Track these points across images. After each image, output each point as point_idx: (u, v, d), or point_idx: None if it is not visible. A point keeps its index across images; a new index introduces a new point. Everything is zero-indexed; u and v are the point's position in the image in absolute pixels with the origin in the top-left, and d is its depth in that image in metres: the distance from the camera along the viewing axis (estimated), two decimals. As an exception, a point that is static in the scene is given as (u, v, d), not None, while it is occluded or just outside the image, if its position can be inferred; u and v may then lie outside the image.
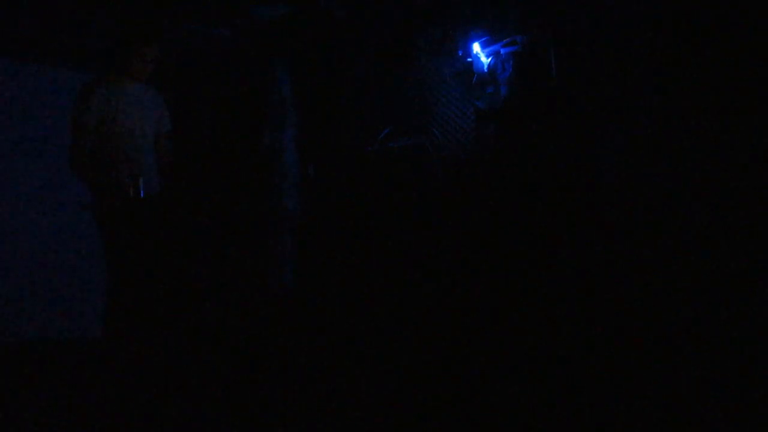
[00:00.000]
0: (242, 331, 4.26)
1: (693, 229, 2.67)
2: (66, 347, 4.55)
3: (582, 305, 2.96)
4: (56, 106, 4.74)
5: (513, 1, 3.44)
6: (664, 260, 2.75)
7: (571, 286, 3.02)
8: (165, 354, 3.49)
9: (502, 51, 3.43)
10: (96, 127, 3.39)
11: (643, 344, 2.73)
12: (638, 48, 2.89)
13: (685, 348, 2.62)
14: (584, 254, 3.00)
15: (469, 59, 3.59)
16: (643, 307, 2.77)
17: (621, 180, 2.93)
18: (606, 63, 3.01)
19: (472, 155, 3.61)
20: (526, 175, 3.28)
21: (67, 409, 3.08)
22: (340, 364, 3.75)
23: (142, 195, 3.29)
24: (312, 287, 4.31)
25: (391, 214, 3.95)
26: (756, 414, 2.37)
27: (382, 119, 4.11)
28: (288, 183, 4.57)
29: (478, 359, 3.27)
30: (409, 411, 2.96)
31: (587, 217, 3.01)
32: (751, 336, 2.46)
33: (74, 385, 3.54)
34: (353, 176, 4.21)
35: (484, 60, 3.52)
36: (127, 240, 3.35)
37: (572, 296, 3.00)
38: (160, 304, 3.49)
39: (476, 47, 3.54)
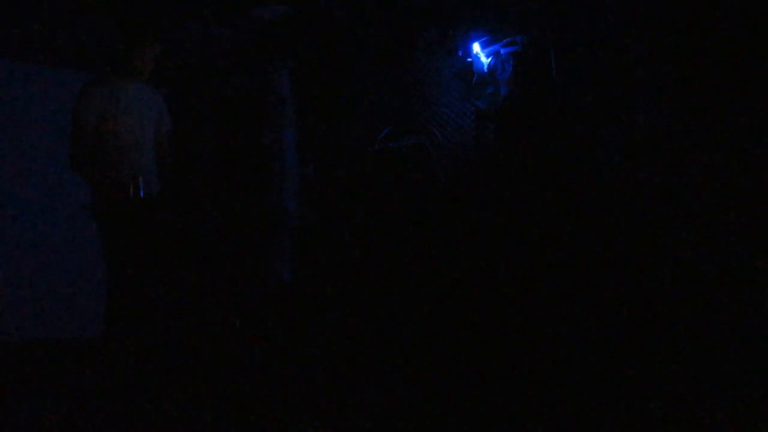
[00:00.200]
0: (242, 330, 4.26)
1: (693, 228, 2.67)
2: (66, 347, 4.55)
3: (582, 305, 2.96)
4: (56, 106, 4.74)
5: (513, 1, 3.44)
6: (664, 260, 2.75)
7: (572, 286, 3.02)
8: (165, 354, 3.49)
9: (502, 51, 3.43)
10: (96, 126, 3.38)
11: (643, 344, 2.73)
12: (638, 48, 2.89)
13: (685, 348, 2.62)
14: (584, 254, 3.00)
15: (469, 59, 3.59)
16: (643, 307, 2.77)
17: (621, 180, 2.93)
18: (606, 63, 3.01)
19: (472, 155, 3.61)
20: (526, 175, 3.28)
21: (67, 409, 3.08)
22: (340, 363, 3.75)
23: (142, 195, 3.29)
24: (312, 287, 4.31)
25: (391, 214, 3.94)
26: (756, 414, 2.37)
27: (382, 119, 4.11)
28: (288, 183, 4.57)
29: (477, 359, 3.27)
30: (409, 409, 2.97)
31: (587, 216, 3.01)
32: (751, 336, 2.46)
33: (74, 385, 3.55)
34: (353, 176, 4.21)
35: (484, 60, 3.52)
36: (127, 240, 3.35)
37: (572, 296, 3.00)
38: (160, 304, 3.50)
39: (476, 47, 3.54)
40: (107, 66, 3.55)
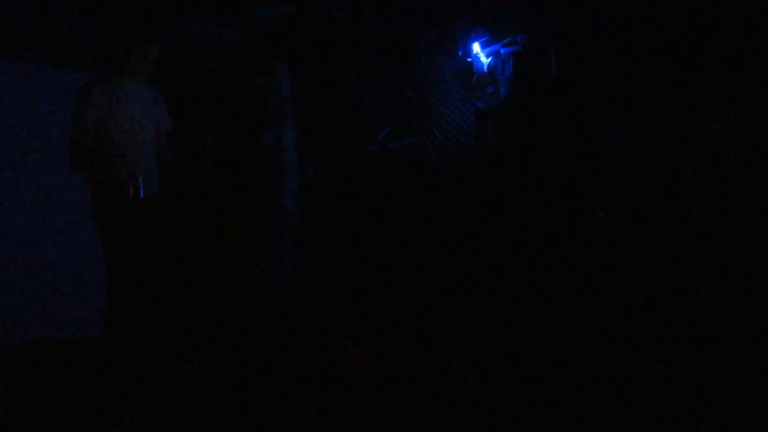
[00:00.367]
0: (241, 330, 4.26)
1: (693, 228, 2.66)
2: (66, 347, 4.55)
3: (582, 304, 2.96)
4: (56, 106, 4.74)
5: (513, 1, 3.44)
6: (663, 259, 2.75)
7: (571, 286, 3.02)
8: (165, 354, 3.50)
9: (502, 51, 3.43)
10: (96, 126, 3.38)
11: (643, 344, 2.73)
12: (638, 48, 2.89)
13: (685, 348, 2.62)
14: (584, 253, 3.00)
15: (469, 59, 3.59)
16: (642, 307, 2.77)
17: (621, 180, 2.93)
18: (606, 63, 3.01)
19: (472, 155, 3.61)
20: (526, 175, 3.28)
21: (67, 409, 3.08)
22: (340, 363, 3.75)
23: (141, 195, 3.29)
24: (311, 287, 4.31)
25: (391, 214, 3.94)
26: (756, 414, 2.37)
27: (382, 119, 4.11)
28: (288, 183, 4.57)
29: (477, 359, 3.27)
30: (408, 409, 2.96)
31: (587, 216, 3.01)
32: (751, 336, 2.46)
33: (74, 385, 3.54)
34: (353, 176, 4.21)
35: (484, 60, 3.52)
36: (126, 240, 3.35)
37: (572, 295, 3.00)
38: (160, 304, 3.50)
39: (476, 47, 3.54)
40: (107, 66, 3.55)
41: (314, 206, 4.46)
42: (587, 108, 3.07)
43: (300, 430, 2.77)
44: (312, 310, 4.18)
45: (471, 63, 3.59)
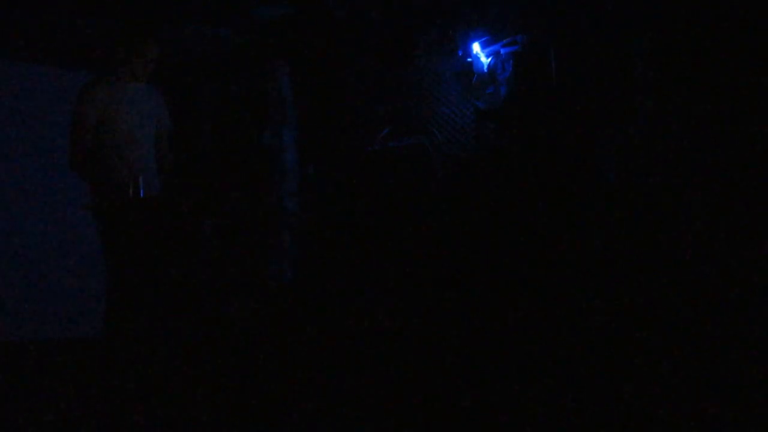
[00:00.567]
0: (242, 330, 4.26)
1: (692, 228, 2.67)
2: (66, 347, 4.55)
3: (582, 304, 2.96)
4: (56, 106, 4.74)
5: (513, 1, 3.44)
6: (663, 259, 2.75)
7: (572, 285, 3.02)
8: (165, 354, 3.49)
9: (502, 51, 3.43)
10: (96, 126, 3.38)
11: (643, 344, 2.73)
12: (638, 48, 2.89)
13: (685, 348, 2.62)
14: (584, 253, 3.00)
15: (469, 59, 3.59)
16: (642, 306, 2.77)
17: (621, 180, 2.93)
18: (606, 63, 3.01)
19: (472, 155, 3.61)
20: (526, 174, 3.28)
21: (67, 409, 3.08)
22: (340, 363, 3.75)
23: (142, 195, 3.28)
24: (312, 286, 4.31)
25: (391, 214, 3.95)
26: (756, 414, 2.37)
27: (382, 119, 4.11)
28: (288, 183, 4.57)
29: (477, 359, 3.27)
30: (409, 409, 2.96)
31: (587, 216, 3.01)
32: (751, 336, 2.46)
33: (74, 385, 3.54)
34: (353, 176, 4.22)
35: (484, 60, 3.52)
36: (126, 240, 3.35)
37: (573, 295, 3.00)
38: (160, 304, 3.49)
39: (476, 47, 3.54)
40: (107, 66, 3.55)
41: (314, 206, 4.46)
42: (587, 108, 3.08)
43: (300, 430, 2.77)
44: (312, 310, 4.18)
45: (471, 63, 3.59)
